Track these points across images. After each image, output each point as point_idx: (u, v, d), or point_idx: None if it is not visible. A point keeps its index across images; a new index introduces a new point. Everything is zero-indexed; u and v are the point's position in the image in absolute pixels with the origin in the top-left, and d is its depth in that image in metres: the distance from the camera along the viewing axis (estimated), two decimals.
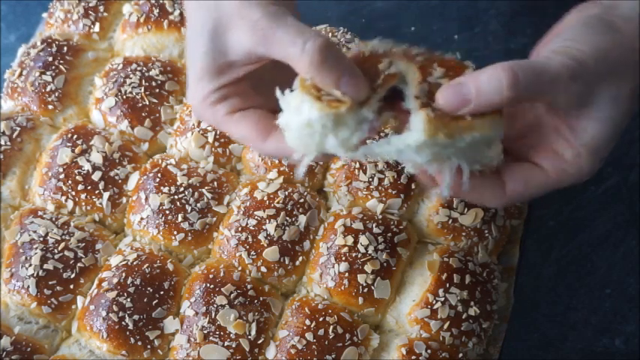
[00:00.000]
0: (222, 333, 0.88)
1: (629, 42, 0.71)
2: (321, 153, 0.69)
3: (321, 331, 0.89)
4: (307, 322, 0.89)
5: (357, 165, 0.99)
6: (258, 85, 0.76)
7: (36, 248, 0.93)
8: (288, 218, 0.95)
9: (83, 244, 0.95)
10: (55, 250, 0.93)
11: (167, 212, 0.96)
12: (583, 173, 0.73)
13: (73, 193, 0.98)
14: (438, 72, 0.71)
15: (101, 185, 0.99)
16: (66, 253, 0.93)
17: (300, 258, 0.95)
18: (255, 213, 0.95)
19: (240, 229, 0.94)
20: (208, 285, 0.91)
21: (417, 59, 0.72)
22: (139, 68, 1.07)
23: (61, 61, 1.08)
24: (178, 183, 0.97)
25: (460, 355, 0.91)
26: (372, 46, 0.73)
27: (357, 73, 0.68)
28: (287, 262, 0.94)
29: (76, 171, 0.99)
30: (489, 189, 0.74)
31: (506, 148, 0.75)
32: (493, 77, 0.65)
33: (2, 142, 1.02)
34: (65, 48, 1.10)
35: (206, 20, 0.71)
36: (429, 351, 0.89)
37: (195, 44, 0.72)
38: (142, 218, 0.97)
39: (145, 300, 0.90)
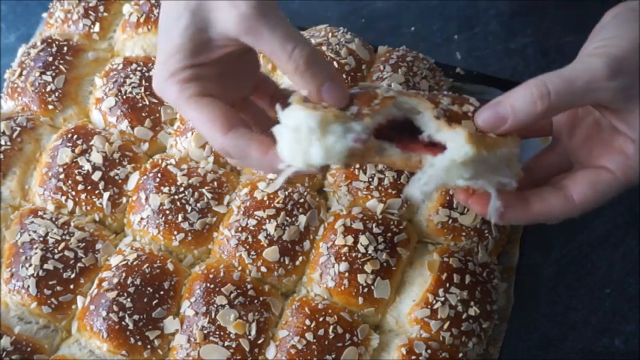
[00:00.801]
0: (222, 333, 0.88)
1: None
2: (305, 163, 0.67)
3: (321, 331, 0.89)
4: (307, 322, 0.89)
5: (357, 165, 0.99)
6: (222, 75, 0.74)
7: (36, 248, 0.93)
8: (288, 218, 0.95)
9: (83, 244, 0.95)
10: (55, 250, 0.93)
11: (167, 212, 0.96)
12: None
13: (73, 193, 0.98)
14: (445, 101, 0.73)
15: (101, 185, 0.99)
16: (66, 253, 0.93)
17: (300, 258, 0.95)
18: (255, 213, 0.95)
19: (240, 229, 0.95)
20: (208, 285, 0.91)
21: (421, 94, 0.74)
22: (139, 68, 1.07)
23: (61, 61, 1.08)
24: (178, 183, 0.97)
25: (460, 355, 0.91)
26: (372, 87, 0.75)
27: (338, 82, 0.68)
28: (287, 262, 0.94)
29: (76, 171, 0.99)
30: (553, 200, 0.73)
31: (571, 160, 0.76)
32: (525, 93, 0.67)
33: (2, 142, 1.02)
34: (65, 48, 1.10)
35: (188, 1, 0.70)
36: (429, 351, 0.89)
37: (174, 22, 0.70)
38: (142, 218, 0.97)
39: (145, 300, 0.90)
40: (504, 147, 0.69)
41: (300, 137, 0.66)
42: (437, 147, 0.70)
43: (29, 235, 0.94)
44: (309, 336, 0.88)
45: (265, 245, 0.93)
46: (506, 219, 0.73)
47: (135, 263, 0.92)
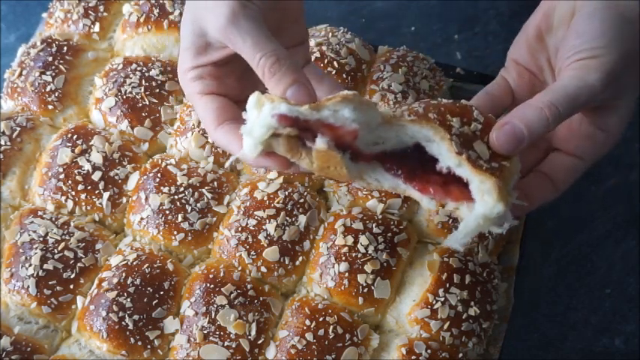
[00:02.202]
0: (222, 333, 0.88)
1: None
2: (245, 150, 0.71)
3: (321, 331, 0.89)
4: (307, 322, 0.89)
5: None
6: (226, 74, 0.82)
7: (36, 248, 0.93)
8: (288, 218, 0.95)
9: (83, 244, 0.95)
10: (55, 250, 0.93)
11: (167, 212, 0.96)
12: (611, 146, 0.81)
13: (73, 193, 0.98)
14: (455, 123, 0.74)
15: (101, 185, 0.99)
16: (66, 253, 0.93)
17: (300, 258, 0.95)
18: (255, 213, 0.95)
19: (240, 229, 0.95)
20: (208, 285, 0.91)
21: (430, 116, 0.74)
22: (139, 68, 1.07)
23: (61, 61, 1.08)
24: (178, 183, 0.97)
25: (460, 355, 0.91)
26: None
27: (302, 86, 0.73)
28: (287, 262, 0.94)
29: (76, 171, 0.99)
30: (547, 190, 0.82)
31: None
32: (540, 116, 0.73)
33: (2, 142, 1.02)
34: (65, 48, 1.10)
35: (191, 4, 0.80)
36: (429, 351, 0.89)
37: (183, 27, 0.80)
38: (142, 218, 0.97)
39: (145, 300, 0.90)
40: (515, 174, 0.74)
41: (258, 123, 0.70)
42: (453, 183, 0.73)
43: (29, 235, 0.94)
44: (309, 336, 0.88)
45: (265, 245, 0.93)
46: (518, 215, 0.78)
47: (135, 263, 0.92)
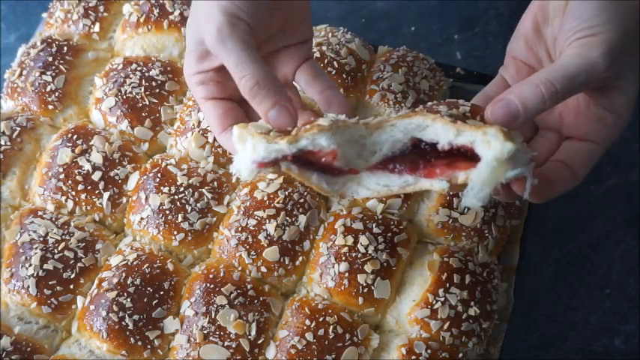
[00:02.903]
0: (222, 333, 0.88)
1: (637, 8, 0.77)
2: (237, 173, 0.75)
3: (321, 331, 0.89)
4: (307, 322, 0.89)
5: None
6: (228, 78, 0.82)
7: (36, 248, 0.93)
8: (288, 218, 0.95)
9: (83, 244, 0.95)
10: (55, 250, 0.93)
11: (167, 212, 0.96)
12: (623, 127, 0.80)
13: (73, 193, 0.98)
14: (442, 108, 0.76)
15: (101, 185, 0.99)
16: (66, 253, 0.93)
17: (300, 258, 0.95)
18: (255, 213, 0.95)
19: (240, 229, 0.95)
20: (208, 285, 0.91)
21: (417, 110, 0.77)
22: (139, 68, 1.07)
23: (61, 61, 1.08)
24: (178, 183, 0.97)
25: (460, 355, 0.91)
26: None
27: (282, 109, 0.75)
28: (287, 262, 0.94)
29: (76, 171, 0.99)
30: (565, 177, 0.80)
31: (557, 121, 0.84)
32: (535, 92, 0.73)
33: (2, 142, 1.02)
34: (65, 48, 1.10)
35: (195, 8, 0.82)
36: (429, 351, 0.89)
37: (187, 34, 0.83)
38: (142, 218, 0.97)
39: (145, 300, 0.90)
40: (519, 135, 0.74)
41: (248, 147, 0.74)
42: (458, 159, 0.73)
43: (29, 235, 0.94)
44: (309, 336, 0.88)
45: (265, 245, 0.93)
46: (539, 198, 0.79)
47: (135, 263, 0.92)
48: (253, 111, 0.80)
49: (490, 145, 0.70)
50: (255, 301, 0.91)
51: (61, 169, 0.99)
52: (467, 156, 0.72)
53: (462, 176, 0.73)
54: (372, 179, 0.78)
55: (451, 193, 0.98)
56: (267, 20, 0.82)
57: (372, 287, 0.92)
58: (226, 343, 0.88)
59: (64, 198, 0.98)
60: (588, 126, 0.80)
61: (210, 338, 0.88)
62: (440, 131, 0.73)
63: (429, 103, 0.79)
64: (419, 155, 0.75)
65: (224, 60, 0.77)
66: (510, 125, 0.73)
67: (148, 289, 0.91)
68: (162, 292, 0.91)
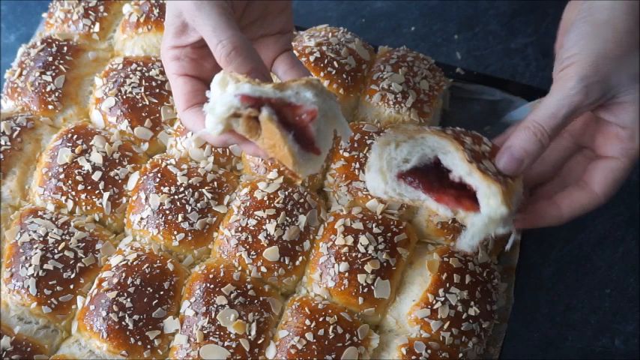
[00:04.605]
0: (222, 333, 0.88)
1: (621, 31, 0.79)
2: (208, 129, 0.72)
3: (321, 331, 0.89)
4: (307, 322, 0.89)
5: (357, 165, 0.99)
6: (203, 57, 0.83)
7: (36, 248, 0.93)
8: (288, 218, 0.95)
9: (83, 244, 0.95)
10: (55, 250, 0.93)
11: (167, 212, 0.96)
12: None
13: (73, 193, 0.98)
14: (468, 140, 0.81)
15: (101, 185, 0.99)
16: (66, 253, 0.93)
17: (300, 258, 0.95)
18: (255, 213, 0.95)
19: (240, 229, 0.95)
20: (208, 285, 0.91)
21: (447, 132, 0.81)
22: (138, 68, 1.07)
23: (61, 61, 1.08)
24: (178, 183, 0.97)
25: (460, 355, 0.91)
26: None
27: (258, 75, 0.75)
28: (287, 262, 0.94)
29: (76, 171, 0.99)
30: (580, 199, 0.84)
31: (578, 144, 0.88)
32: (530, 137, 0.79)
33: (2, 142, 1.02)
34: (65, 48, 1.10)
35: None
36: (429, 351, 0.89)
37: (167, 9, 0.82)
38: (142, 218, 0.97)
39: (145, 300, 0.90)
40: (518, 188, 0.81)
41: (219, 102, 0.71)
42: (465, 195, 0.80)
43: (29, 235, 0.94)
44: (309, 336, 0.88)
45: (265, 245, 0.93)
46: (543, 224, 0.85)
47: (135, 263, 0.92)
48: None
49: (489, 202, 0.78)
50: (255, 301, 0.91)
51: (61, 169, 0.99)
52: (471, 194, 0.79)
53: (462, 214, 0.82)
54: (393, 184, 0.84)
55: None
56: (246, 1, 0.81)
57: (372, 287, 0.92)
58: (226, 343, 0.88)
59: (64, 198, 0.98)
60: (605, 142, 0.83)
61: (210, 338, 0.88)
62: (457, 162, 0.79)
63: (458, 129, 0.84)
64: (435, 175, 0.82)
65: (200, 26, 0.76)
66: (518, 171, 0.80)
67: (148, 289, 0.91)
68: (162, 292, 0.91)
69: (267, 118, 0.69)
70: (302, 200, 0.97)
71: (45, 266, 0.92)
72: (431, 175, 0.83)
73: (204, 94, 0.79)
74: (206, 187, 0.98)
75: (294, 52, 1.06)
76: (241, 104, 0.70)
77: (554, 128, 0.78)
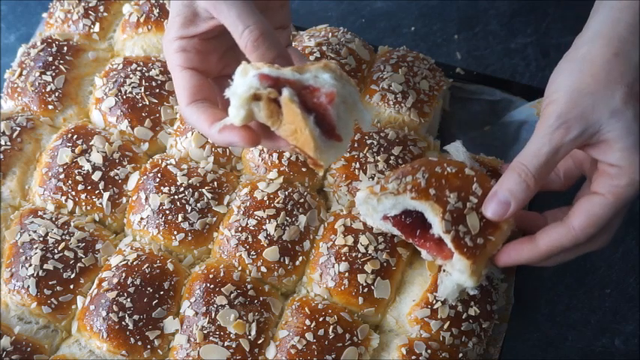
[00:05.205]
0: (222, 333, 0.88)
1: (598, 65, 0.77)
2: (231, 115, 0.72)
3: (321, 331, 0.89)
4: (307, 322, 0.89)
5: (357, 165, 0.99)
6: (226, 55, 0.84)
7: (36, 248, 0.93)
8: (288, 218, 0.95)
9: (83, 244, 0.95)
10: (55, 250, 0.93)
11: (167, 212, 0.96)
12: (635, 179, 0.77)
13: (73, 193, 0.98)
14: (452, 198, 0.84)
15: (101, 185, 0.99)
16: (66, 253, 0.93)
17: (300, 258, 0.95)
18: (255, 213, 0.95)
19: (240, 229, 0.95)
20: (208, 285, 0.91)
21: (430, 192, 0.84)
22: (139, 68, 1.07)
23: (61, 61, 1.08)
24: (178, 183, 0.97)
25: (460, 355, 0.91)
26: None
27: (284, 60, 0.75)
28: (287, 262, 0.94)
29: (76, 171, 0.99)
30: (558, 233, 0.80)
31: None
32: (514, 179, 0.78)
33: (2, 142, 1.02)
34: (65, 48, 1.10)
35: None
36: (429, 351, 0.89)
37: None
38: (142, 218, 0.97)
39: (145, 300, 0.90)
40: (498, 245, 0.85)
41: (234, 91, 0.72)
42: (445, 244, 0.85)
43: (29, 235, 0.94)
44: (309, 336, 0.88)
45: (265, 245, 0.93)
46: (517, 261, 0.84)
47: (135, 263, 0.92)
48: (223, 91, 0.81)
49: (458, 273, 0.84)
50: (255, 301, 0.91)
51: (61, 169, 0.99)
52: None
53: (440, 262, 0.88)
54: (378, 223, 0.90)
55: None
56: None
57: (372, 287, 0.92)
58: (226, 343, 0.88)
59: (64, 198, 0.98)
60: (597, 178, 0.79)
61: (210, 338, 0.88)
62: (436, 225, 0.84)
63: (449, 169, 0.86)
64: (420, 219, 0.86)
65: (223, 13, 0.75)
66: (504, 216, 0.80)
67: (148, 289, 0.91)
68: (162, 292, 0.91)
69: (289, 99, 0.69)
70: (302, 200, 0.97)
71: (45, 266, 0.92)
72: (415, 219, 0.87)
73: (208, 90, 0.80)
74: (206, 187, 0.98)
75: None
76: (260, 83, 0.70)
77: (537, 167, 0.77)
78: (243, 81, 0.71)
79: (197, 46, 0.80)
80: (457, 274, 0.84)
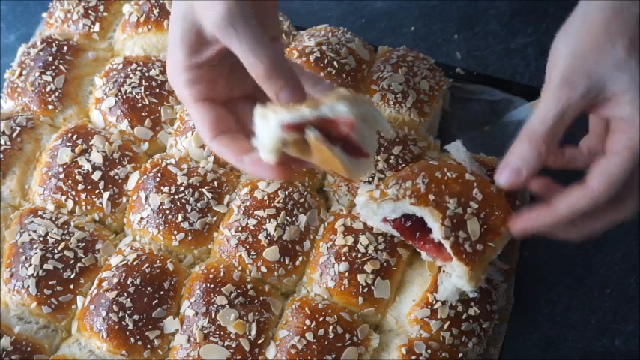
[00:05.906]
0: (222, 333, 0.88)
1: (595, 26, 0.77)
2: (262, 155, 0.75)
3: (321, 331, 0.89)
4: (307, 322, 0.89)
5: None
6: (220, 76, 0.83)
7: (36, 248, 0.93)
8: (288, 218, 0.95)
9: (83, 243, 0.95)
10: (55, 250, 0.93)
11: (167, 212, 0.96)
12: None
13: (73, 192, 0.98)
14: (452, 204, 0.85)
15: (101, 185, 0.99)
16: (66, 252, 0.93)
17: (300, 258, 0.95)
18: (255, 213, 0.95)
19: (240, 228, 0.95)
20: (208, 285, 0.91)
21: (430, 197, 0.85)
22: (139, 68, 1.07)
23: (61, 61, 1.08)
24: (178, 183, 0.97)
25: (460, 355, 0.91)
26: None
27: (293, 89, 0.76)
28: (287, 262, 0.94)
29: (76, 171, 0.99)
30: (576, 195, 0.78)
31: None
32: (525, 145, 0.77)
33: (2, 142, 1.02)
34: (65, 48, 1.10)
35: (183, 2, 0.78)
36: (429, 351, 0.89)
37: (174, 24, 0.79)
38: (142, 218, 0.97)
39: (145, 300, 0.90)
40: (497, 250, 0.86)
41: (268, 131, 0.74)
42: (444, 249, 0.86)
43: (29, 234, 0.94)
44: (309, 336, 0.88)
45: (265, 245, 0.93)
46: (535, 227, 0.82)
47: (135, 263, 0.92)
48: (238, 115, 0.83)
49: (456, 277, 0.85)
50: (255, 300, 0.91)
51: (61, 169, 0.99)
52: None
53: (440, 263, 0.88)
54: (378, 224, 0.91)
55: None
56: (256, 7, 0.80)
57: (372, 287, 0.92)
58: (226, 343, 0.88)
59: (64, 198, 0.98)
60: (611, 138, 0.78)
61: (210, 338, 0.88)
62: (436, 230, 0.85)
63: (449, 174, 0.87)
64: (420, 222, 0.87)
65: (234, 44, 0.75)
66: (518, 184, 0.79)
67: (148, 288, 0.91)
68: (162, 292, 0.91)
69: (314, 139, 0.72)
70: (302, 200, 0.97)
71: (45, 266, 0.92)
72: (415, 222, 0.87)
73: (226, 119, 0.82)
74: (206, 187, 0.98)
75: (295, 52, 1.07)
76: (287, 134, 0.73)
77: (546, 132, 0.76)
78: (267, 131, 0.73)
79: (205, 75, 0.81)
80: (456, 278, 0.86)
